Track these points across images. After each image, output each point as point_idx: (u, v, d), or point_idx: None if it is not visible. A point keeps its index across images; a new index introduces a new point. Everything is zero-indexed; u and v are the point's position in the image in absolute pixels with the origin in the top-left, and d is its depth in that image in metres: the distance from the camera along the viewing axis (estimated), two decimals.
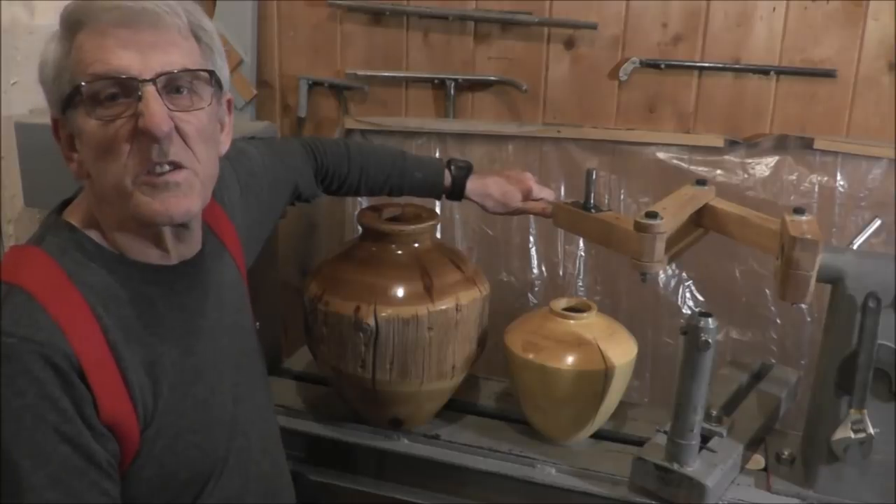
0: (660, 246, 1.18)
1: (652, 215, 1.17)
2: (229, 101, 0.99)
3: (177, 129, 0.86)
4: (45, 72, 0.88)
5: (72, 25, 0.85)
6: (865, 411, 1.19)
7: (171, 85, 0.86)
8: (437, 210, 1.79)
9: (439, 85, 1.83)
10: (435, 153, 1.82)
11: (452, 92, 1.81)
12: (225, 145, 0.98)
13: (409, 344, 1.33)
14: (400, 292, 1.34)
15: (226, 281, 1.05)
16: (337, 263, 1.43)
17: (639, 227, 1.18)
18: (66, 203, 0.96)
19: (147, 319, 0.91)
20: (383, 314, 1.32)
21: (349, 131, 1.84)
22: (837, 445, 1.21)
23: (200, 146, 0.89)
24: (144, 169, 0.85)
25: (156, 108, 0.83)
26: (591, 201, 1.32)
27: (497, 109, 1.83)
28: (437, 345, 1.35)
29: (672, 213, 1.21)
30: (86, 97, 0.84)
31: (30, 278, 0.85)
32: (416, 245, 1.40)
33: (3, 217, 1.68)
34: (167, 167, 0.86)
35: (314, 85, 1.88)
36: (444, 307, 1.34)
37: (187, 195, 0.88)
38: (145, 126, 0.83)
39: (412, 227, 1.40)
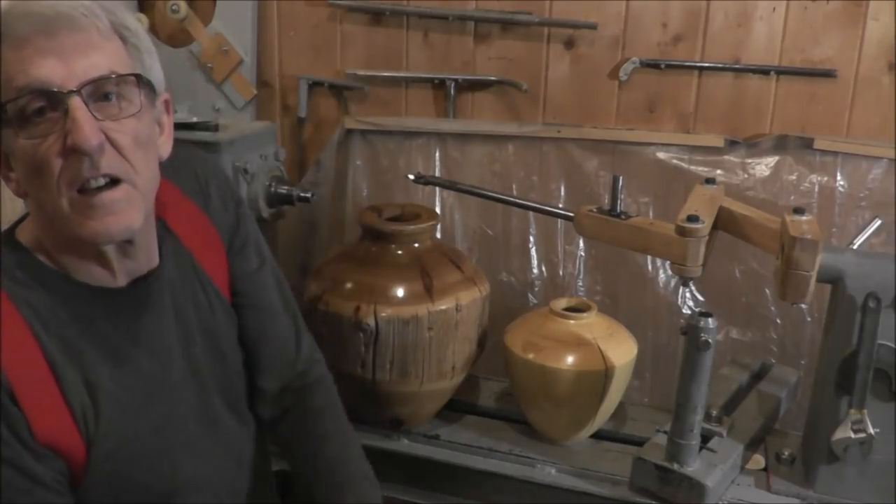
0: (702, 249, 1.17)
1: (693, 219, 1.16)
2: (167, 101, 0.95)
3: (109, 139, 0.82)
4: None
5: None
6: (865, 411, 1.19)
7: (98, 93, 0.82)
8: (437, 210, 1.80)
9: (439, 85, 1.83)
10: (435, 153, 1.82)
11: (452, 92, 1.81)
12: (165, 148, 0.94)
13: (409, 344, 1.33)
14: (400, 292, 1.34)
15: (195, 303, 1.01)
16: (337, 263, 1.43)
17: (682, 232, 1.16)
18: (20, 220, 0.94)
19: (88, 339, 0.89)
20: (383, 314, 1.32)
21: (349, 131, 1.84)
22: (837, 445, 1.21)
23: (136, 155, 0.85)
24: (77, 185, 0.82)
25: (83, 121, 0.79)
26: (619, 207, 1.28)
27: (497, 109, 1.83)
28: (437, 345, 1.35)
29: (706, 214, 1.20)
30: (11, 116, 0.80)
31: None
32: (416, 245, 1.40)
33: (3, 217, 1.67)
34: (102, 181, 0.82)
35: (314, 85, 1.88)
36: (444, 307, 1.34)
37: (126, 211, 0.85)
38: (73, 142, 0.79)
39: (412, 227, 1.40)
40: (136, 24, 0.89)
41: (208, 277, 1.04)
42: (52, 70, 0.80)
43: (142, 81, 0.86)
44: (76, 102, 0.80)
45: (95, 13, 0.83)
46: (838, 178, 1.65)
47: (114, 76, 0.83)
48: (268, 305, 1.12)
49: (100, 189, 0.83)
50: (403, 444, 1.42)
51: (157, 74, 0.91)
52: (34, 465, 0.83)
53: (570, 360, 1.33)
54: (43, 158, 0.81)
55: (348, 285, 1.36)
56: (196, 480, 0.98)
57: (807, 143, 1.66)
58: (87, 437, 0.87)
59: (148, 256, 0.95)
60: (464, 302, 1.36)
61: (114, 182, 0.83)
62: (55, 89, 0.80)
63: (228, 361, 1.06)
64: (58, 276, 0.89)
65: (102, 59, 0.82)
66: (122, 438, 0.90)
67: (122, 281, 0.93)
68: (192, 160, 1.10)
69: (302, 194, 1.62)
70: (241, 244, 1.09)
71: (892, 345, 1.17)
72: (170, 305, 0.98)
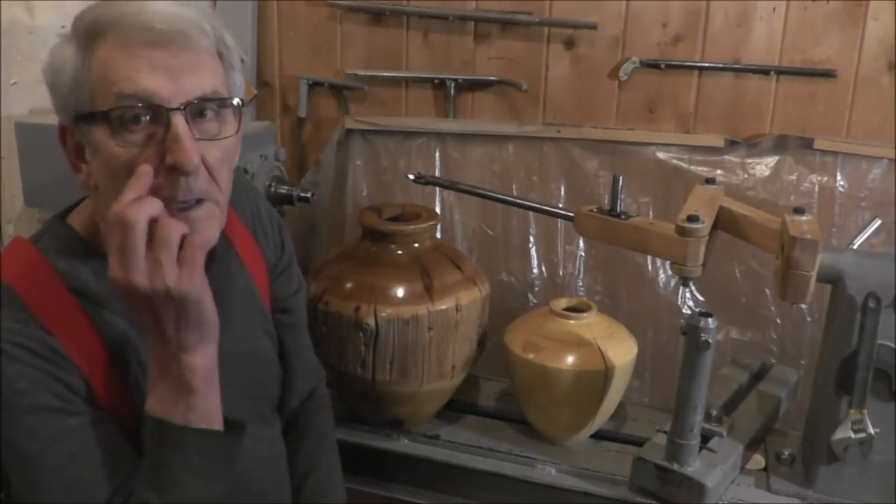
0: (702, 249, 1.17)
1: (693, 219, 1.16)
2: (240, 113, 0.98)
3: (202, 158, 0.83)
4: (60, 79, 0.84)
5: (93, 35, 0.82)
6: (865, 411, 1.19)
7: (196, 109, 0.84)
8: (437, 210, 1.80)
9: (439, 85, 1.83)
10: (435, 153, 1.82)
11: (452, 92, 1.81)
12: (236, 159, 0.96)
13: (409, 344, 1.33)
14: (400, 292, 1.34)
15: (241, 308, 1.03)
16: (337, 263, 1.43)
17: (682, 232, 1.16)
18: (72, 207, 0.95)
19: (138, 329, 0.90)
20: (383, 314, 1.32)
21: (349, 131, 1.84)
22: (837, 445, 1.21)
23: (223, 174, 0.87)
24: (166, 202, 0.82)
25: (186, 141, 0.80)
26: (619, 207, 1.28)
27: (497, 109, 1.83)
28: (437, 345, 1.35)
29: (706, 214, 1.20)
30: (111, 119, 0.81)
31: (17, 276, 0.85)
32: (416, 245, 1.40)
33: (3, 217, 1.68)
34: (191, 201, 0.84)
35: (314, 85, 1.88)
36: (444, 307, 1.34)
37: (208, 229, 0.86)
38: (175, 162, 0.80)
39: (412, 227, 1.40)
40: (232, 39, 0.90)
41: (255, 288, 1.07)
42: (160, 84, 0.80)
43: (238, 104, 0.88)
44: (179, 120, 0.81)
45: (206, 32, 0.84)
46: (838, 178, 1.65)
47: (216, 98, 0.85)
48: (304, 324, 1.18)
49: (187, 206, 0.84)
50: (403, 444, 1.42)
51: (241, 91, 0.92)
52: (99, 415, 0.85)
53: (570, 360, 1.33)
54: (136, 166, 0.81)
55: (348, 285, 1.36)
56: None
57: (807, 143, 1.66)
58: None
59: None
60: (464, 302, 1.36)
61: (198, 200, 0.85)
62: (160, 103, 0.80)
63: (264, 370, 1.08)
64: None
65: (207, 78, 0.84)
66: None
67: None
68: (244, 181, 1.14)
69: (302, 194, 1.63)
70: (284, 266, 1.14)
71: (892, 345, 1.17)
72: (217, 307, 0.98)
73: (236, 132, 0.88)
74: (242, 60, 1.94)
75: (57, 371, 0.83)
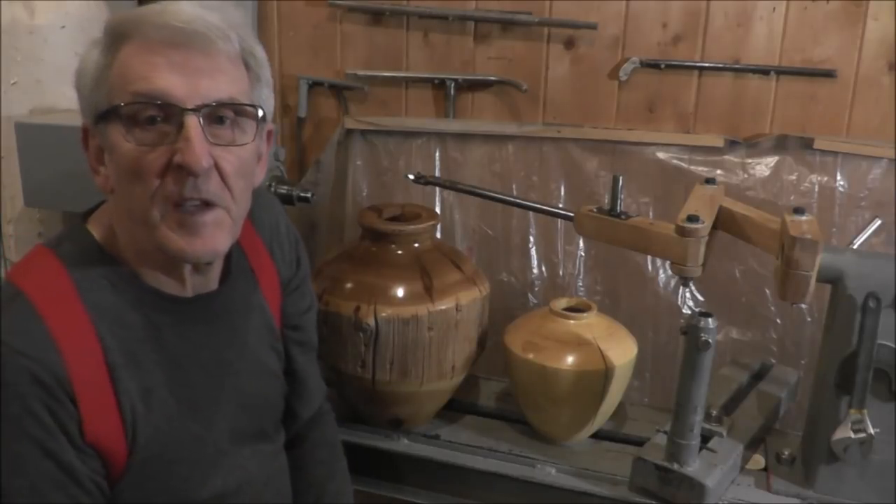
0: (702, 249, 1.17)
1: (693, 219, 1.16)
2: (270, 132, 0.96)
3: (215, 164, 0.83)
4: (83, 80, 0.85)
5: (117, 37, 0.83)
6: (865, 411, 1.19)
7: (214, 115, 0.83)
8: (437, 210, 1.80)
9: (439, 85, 1.83)
10: (435, 153, 1.82)
11: (452, 92, 1.81)
12: (259, 177, 0.95)
13: (409, 344, 1.33)
14: (400, 292, 1.34)
15: (251, 324, 1.03)
16: (337, 263, 1.43)
17: (682, 232, 1.16)
18: (94, 209, 0.95)
19: (150, 346, 0.90)
20: (383, 314, 1.32)
21: (349, 131, 1.84)
22: (837, 445, 1.21)
23: (237, 183, 0.86)
24: (174, 201, 0.82)
25: (197, 142, 0.80)
26: (619, 207, 1.28)
27: (497, 109, 1.83)
28: (437, 345, 1.35)
29: (706, 214, 1.20)
30: (124, 117, 0.81)
31: (37, 287, 0.84)
32: (416, 245, 1.40)
33: (4, 217, 1.67)
34: (198, 202, 0.83)
35: (314, 85, 1.88)
36: (444, 307, 1.34)
37: (215, 235, 0.86)
38: (184, 161, 0.80)
39: (412, 227, 1.40)
40: (263, 53, 0.90)
41: (266, 303, 1.06)
42: (175, 84, 0.80)
43: (258, 113, 0.87)
44: (192, 121, 0.80)
45: (229, 38, 0.84)
46: (838, 178, 1.65)
47: (234, 104, 0.84)
48: (314, 342, 1.18)
49: (195, 209, 0.83)
50: (403, 444, 1.42)
51: (269, 106, 0.92)
52: (75, 462, 0.83)
53: (570, 360, 1.33)
54: (147, 167, 0.81)
55: (348, 285, 1.36)
56: (224, 495, 0.98)
57: (807, 143, 1.66)
58: (131, 442, 0.87)
59: (216, 276, 0.97)
60: (464, 302, 1.36)
61: (208, 204, 0.84)
62: (175, 103, 0.80)
63: (271, 387, 1.08)
64: (128, 278, 0.89)
65: (226, 84, 0.83)
66: (163, 445, 0.90)
67: (189, 293, 0.94)
68: (267, 195, 1.14)
69: (302, 194, 1.62)
70: (298, 283, 1.13)
71: (892, 345, 1.17)
72: (228, 323, 0.99)
73: (252, 140, 0.87)
74: None
75: (53, 404, 0.81)
